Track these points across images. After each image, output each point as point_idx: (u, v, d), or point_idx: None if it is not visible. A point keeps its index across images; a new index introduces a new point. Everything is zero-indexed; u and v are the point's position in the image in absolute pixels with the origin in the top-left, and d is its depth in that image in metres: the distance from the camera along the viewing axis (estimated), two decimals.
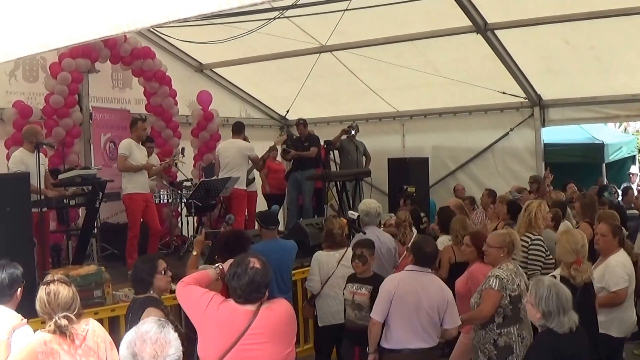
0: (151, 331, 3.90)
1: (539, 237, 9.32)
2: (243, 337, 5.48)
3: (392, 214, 12.98)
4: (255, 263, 5.64)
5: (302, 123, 16.62)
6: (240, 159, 14.28)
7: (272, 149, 17.12)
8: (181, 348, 3.98)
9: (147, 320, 4.07)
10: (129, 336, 3.95)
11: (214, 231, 9.85)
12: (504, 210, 11.70)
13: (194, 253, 8.02)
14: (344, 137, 16.76)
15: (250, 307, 5.57)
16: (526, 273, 9.06)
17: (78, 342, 5.51)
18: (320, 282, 9.20)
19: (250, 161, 14.60)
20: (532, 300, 5.86)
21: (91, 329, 5.69)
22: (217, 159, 14.79)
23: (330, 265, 9.20)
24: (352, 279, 8.54)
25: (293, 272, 10.06)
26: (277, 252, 8.83)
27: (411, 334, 7.40)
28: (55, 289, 5.58)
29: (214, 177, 14.34)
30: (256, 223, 9.64)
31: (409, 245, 8.88)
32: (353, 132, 16.63)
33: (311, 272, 9.42)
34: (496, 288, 7.62)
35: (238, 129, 14.82)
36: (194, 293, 5.78)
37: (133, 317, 6.25)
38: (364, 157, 17.40)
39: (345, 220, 10.21)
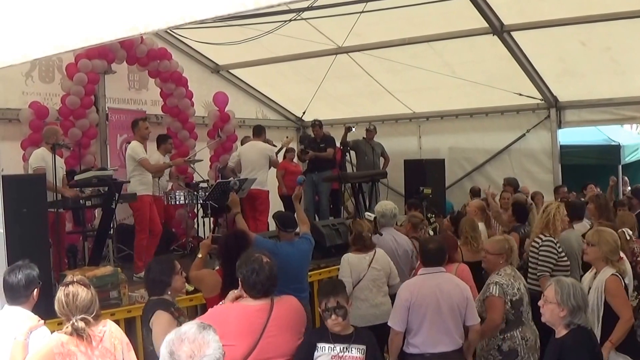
0: (190, 331, 3.90)
1: (550, 238, 9.18)
2: (267, 328, 5.65)
3: None
4: (266, 258, 5.89)
5: (317, 124, 16.67)
6: (262, 160, 14.42)
7: (289, 150, 17.16)
8: (221, 350, 3.95)
9: (188, 322, 4.07)
10: (169, 336, 3.95)
11: (221, 235, 9.89)
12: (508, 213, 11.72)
13: (199, 256, 8.12)
14: (357, 136, 16.80)
15: (265, 301, 5.77)
16: (535, 274, 9.04)
17: (95, 344, 5.52)
18: (352, 284, 9.12)
19: (270, 163, 14.64)
20: (557, 298, 5.79)
21: (108, 330, 5.71)
22: (238, 161, 14.83)
23: (362, 267, 9.12)
24: (330, 337, 6.35)
25: (310, 272, 10.00)
26: (297, 254, 8.88)
27: (433, 338, 7.34)
28: (75, 290, 5.60)
29: (231, 178, 14.33)
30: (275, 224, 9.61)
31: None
32: (354, 129, 16.60)
33: (342, 274, 9.27)
34: (497, 295, 7.65)
35: (258, 131, 14.94)
36: None
37: (144, 318, 6.39)
38: (381, 159, 17.40)
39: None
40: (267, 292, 5.79)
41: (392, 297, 9.18)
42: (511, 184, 15.22)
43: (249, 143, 15.18)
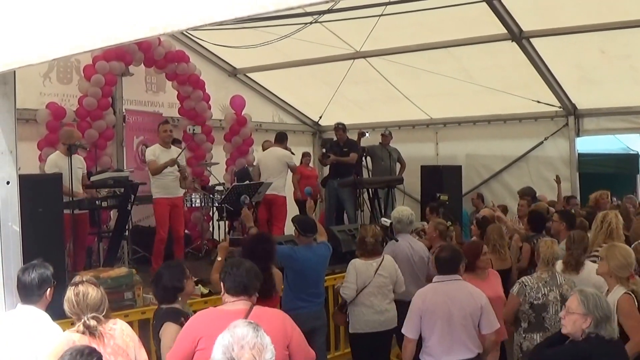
0: (248, 336, 3.91)
1: None
2: None
3: (425, 222, 12.92)
4: (248, 262, 5.94)
5: (341, 128, 16.33)
6: (279, 166, 14.53)
7: (305, 154, 17.21)
8: (274, 352, 4.00)
9: (239, 324, 4.07)
10: (224, 340, 3.95)
11: (238, 237, 9.88)
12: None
13: (219, 259, 8.16)
14: (374, 141, 16.81)
15: (243, 306, 5.67)
16: None
17: (107, 341, 5.56)
18: (356, 290, 9.14)
19: (289, 169, 14.68)
20: (582, 309, 5.68)
21: (119, 328, 5.76)
22: (257, 167, 14.93)
23: (368, 274, 9.11)
24: None
25: (325, 277, 9.99)
26: (314, 259, 8.93)
27: (446, 347, 7.29)
28: (84, 289, 5.64)
29: (246, 182, 14.36)
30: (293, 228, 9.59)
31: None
32: (368, 135, 16.48)
33: (347, 279, 9.26)
34: (515, 293, 7.83)
35: (281, 138, 15.11)
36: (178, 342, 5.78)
37: (155, 327, 6.45)
38: (398, 164, 17.34)
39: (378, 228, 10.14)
40: (245, 289, 5.72)
41: (396, 303, 9.25)
42: (527, 194, 15.08)
43: (268, 149, 15.25)
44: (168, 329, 6.14)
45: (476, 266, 8.63)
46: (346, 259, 11.15)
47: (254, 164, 15.71)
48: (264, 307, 5.88)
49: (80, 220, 11.32)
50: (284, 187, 14.69)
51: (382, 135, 17.38)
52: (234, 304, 5.69)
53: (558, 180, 15.33)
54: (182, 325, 6.09)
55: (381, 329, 9.09)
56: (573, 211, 12.16)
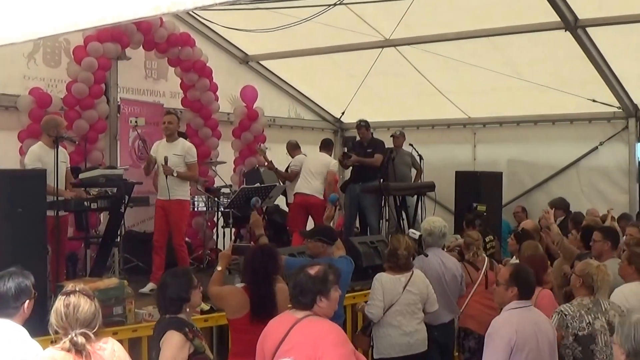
0: None
1: None
2: (284, 342, 5.77)
3: (458, 236, 12.86)
4: (311, 269, 6.02)
5: (364, 125, 16.14)
6: (322, 170, 15.21)
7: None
8: None
9: None
10: None
11: (243, 245, 9.83)
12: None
13: (219, 268, 8.09)
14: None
15: (298, 315, 5.90)
16: None
17: None
18: (383, 308, 9.08)
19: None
20: (618, 339, 5.69)
21: (110, 349, 5.69)
22: (296, 171, 15.51)
23: (396, 290, 9.06)
24: None
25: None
26: None
27: None
28: (76, 301, 5.56)
29: (257, 184, 14.29)
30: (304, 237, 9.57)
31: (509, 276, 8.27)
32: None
33: (373, 296, 9.20)
34: (555, 325, 7.50)
35: (326, 144, 16.06)
36: None
37: (155, 337, 6.50)
38: (412, 170, 17.23)
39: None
40: (295, 303, 6.02)
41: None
42: (559, 207, 14.89)
43: (315, 153, 15.65)
44: (170, 338, 6.18)
45: (544, 281, 8.61)
46: (367, 274, 11.13)
47: (293, 166, 15.76)
48: (316, 318, 5.95)
49: (61, 223, 11.18)
50: (321, 190, 15.11)
51: (392, 137, 17.28)
52: (294, 312, 6.00)
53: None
54: (185, 335, 6.22)
55: (410, 353, 9.07)
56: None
